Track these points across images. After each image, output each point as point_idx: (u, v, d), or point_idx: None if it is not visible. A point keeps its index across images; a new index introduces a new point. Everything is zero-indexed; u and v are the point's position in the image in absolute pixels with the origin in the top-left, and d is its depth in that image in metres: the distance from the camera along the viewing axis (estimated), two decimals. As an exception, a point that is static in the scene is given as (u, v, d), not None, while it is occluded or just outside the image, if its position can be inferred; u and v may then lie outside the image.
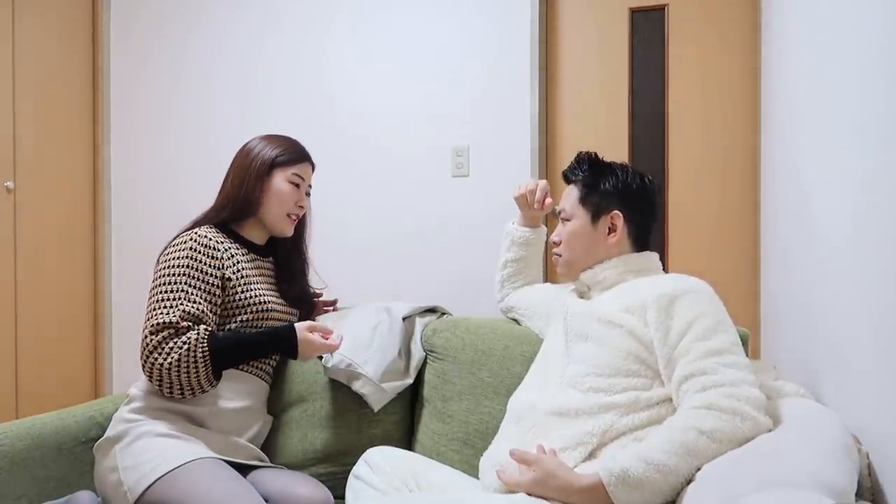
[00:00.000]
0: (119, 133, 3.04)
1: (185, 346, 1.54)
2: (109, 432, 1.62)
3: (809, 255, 1.57)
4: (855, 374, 1.22)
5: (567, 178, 1.62)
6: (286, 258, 1.86)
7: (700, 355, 1.28)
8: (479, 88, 2.60)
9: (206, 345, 1.55)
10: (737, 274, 2.45)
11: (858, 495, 1.04)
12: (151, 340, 1.55)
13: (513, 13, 2.56)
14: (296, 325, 1.67)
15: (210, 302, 1.62)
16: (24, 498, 1.60)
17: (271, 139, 1.80)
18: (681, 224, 2.53)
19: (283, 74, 2.83)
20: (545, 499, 1.23)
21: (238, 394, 1.67)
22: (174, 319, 1.56)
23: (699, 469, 1.15)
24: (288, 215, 1.77)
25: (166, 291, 1.60)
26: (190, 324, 1.57)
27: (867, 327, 1.14)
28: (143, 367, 1.57)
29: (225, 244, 1.70)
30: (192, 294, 1.60)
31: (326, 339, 1.68)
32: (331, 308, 2.02)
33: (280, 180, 1.75)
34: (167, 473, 1.48)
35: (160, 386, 1.57)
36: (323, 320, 1.91)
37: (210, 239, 1.66)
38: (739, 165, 2.47)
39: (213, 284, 1.63)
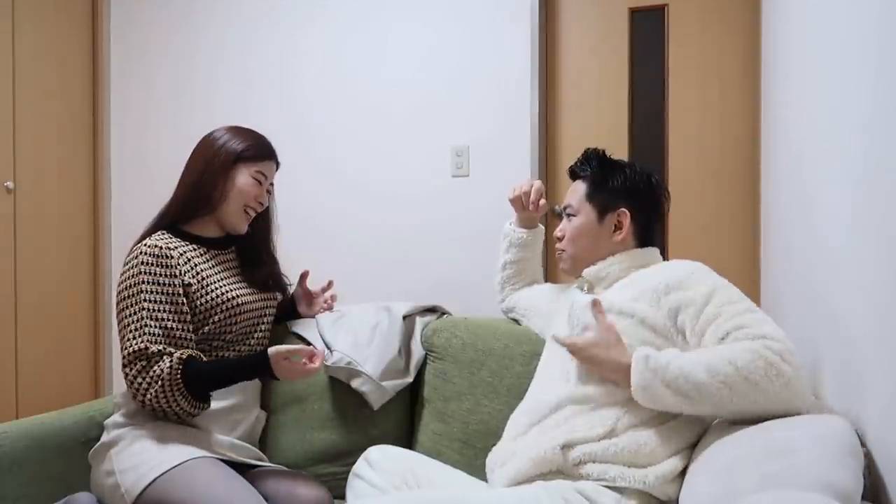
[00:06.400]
0: (119, 133, 3.04)
1: (160, 381, 1.49)
2: (104, 438, 1.61)
3: (810, 254, 1.57)
4: (856, 373, 1.21)
5: (574, 174, 1.62)
6: (249, 245, 1.80)
7: (734, 314, 1.29)
8: (479, 88, 2.60)
9: (179, 377, 1.49)
10: (737, 274, 2.45)
11: (861, 496, 1.04)
12: (128, 373, 1.52)
13: (513, 13, 2.56)
14: (269, 352, 1.55)
15: (176, 311, 1.57)
16: (24, 498, 1.59)
17: (238, 132, 1.74)
18: (681, 224, 2.53)
19: (283, 74, 2.83)
20: (589, 362, 1.34)
21: (224, 391, 1.64)
22: (143, 346, 1.51)
23: (721, 404, 1.20)
24: (245, 211, 1.71)
25: (129, 315, 1.55)
26: (161, 347, 1.51)
27: (868, 327, 1.14)
28: (134, 399, 1.55)
29: (179, 248, 1.64)
30: (154, 310, 1.55)
31: (311, 361, 1.58)
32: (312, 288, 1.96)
33: (243, 175, 1.69)
34: (165, 473, 1.47)
35: (156, 414, 1.55)
36: (323, 319, 1.91)
37: (161, 248, 1.60)
38: (739, 165, 2.48)
39: (174, 293, 1.58)
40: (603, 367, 1.33)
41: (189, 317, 1.60)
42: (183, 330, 1.57)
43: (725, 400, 1.19)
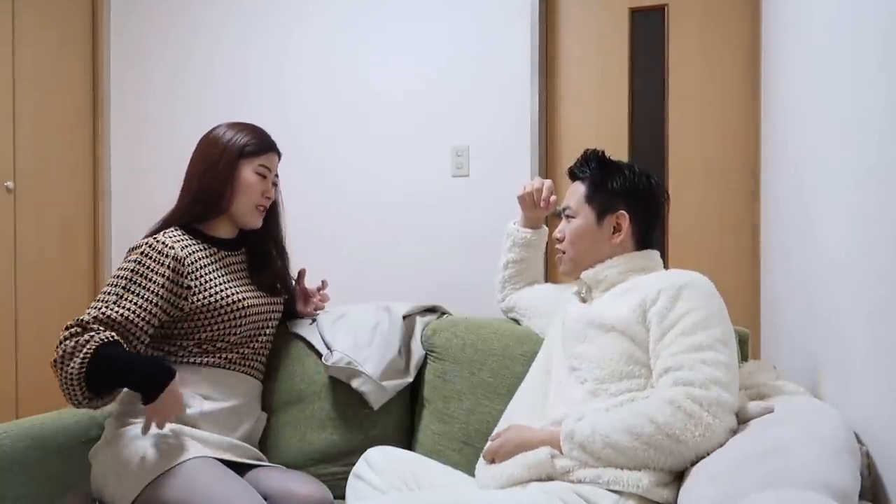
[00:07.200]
0: (119, 133, 3.04)
1: (75, 342, 1.46)
2: (104, 437, 1.62)
3: (809, 254, 1.57)
4: (855, 372, 1.21)
5: (573, 175, 1.61)
6: (257, 247, 1.81)
7: (681, 349, 1.29)
8: (479, 88, 2.60)
9: (92, 347, 1.45)
10: (737, 274, 2.45)
11: (859, 495, 1.04)
12: (64, 332, 1.51)
13: (513, 13, 2.56)
14: (175, 379, 1.51)
15: (143, 308, 1.56)
16: (24, 498, 1.59)
17: (237, 128, 1.74)
18: (681, 224, 2.53)
19: (283, 73, 2.83)
20: (516, 450, 1.34)
21: (226, 393, 1.65)
22: (87, 319, 1.51)
23: (648, 462, 1.22)
24: (256, 207, 1.73)
25: (104, 293, 1.58)
26: (100, 328, 1.51)
27: (867, 326, 1.14)
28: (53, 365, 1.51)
29: (188, 248, 1.65)
30: (124, 299, 1.55)
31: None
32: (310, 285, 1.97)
33: (247, 172, 1.70)
34: (164, 472, 1.47)
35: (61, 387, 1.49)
36: (323, 319, 1.91)
37: (166, 245, 1.61)
38: (739, 165, 2.48)
39: (154, 292, 1.58)
40: (533, 445, 1.33)
41: (155, 319, 1.59)
42: (140, 329, 1.56)
43: (652, 458, 1.22)
